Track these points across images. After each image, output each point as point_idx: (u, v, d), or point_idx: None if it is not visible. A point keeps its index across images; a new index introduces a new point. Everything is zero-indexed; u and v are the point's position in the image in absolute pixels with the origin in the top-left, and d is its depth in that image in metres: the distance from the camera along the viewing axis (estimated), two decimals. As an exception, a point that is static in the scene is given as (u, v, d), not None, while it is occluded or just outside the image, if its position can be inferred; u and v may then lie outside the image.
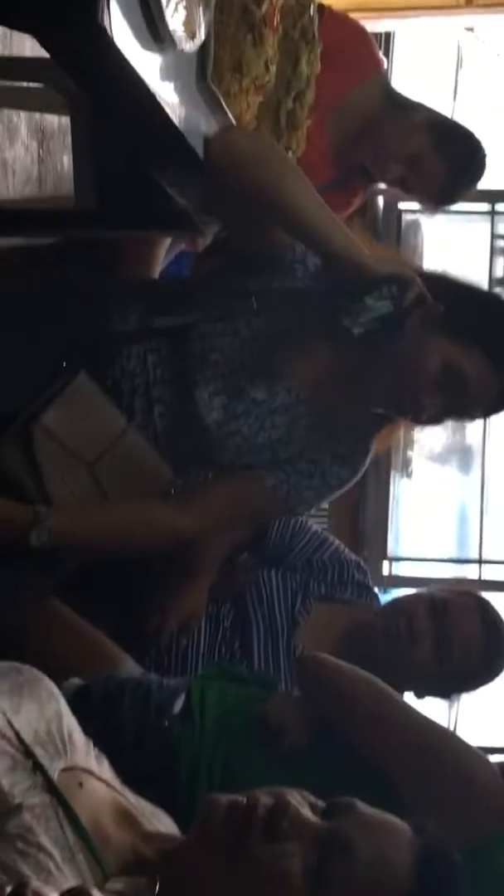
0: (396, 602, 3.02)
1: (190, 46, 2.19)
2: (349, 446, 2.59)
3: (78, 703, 1.96)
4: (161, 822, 1.75)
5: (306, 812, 1.51)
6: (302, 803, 1.51)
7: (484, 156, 3.54)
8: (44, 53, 2.09)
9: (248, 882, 1.45)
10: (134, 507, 2.52)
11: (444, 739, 2.25)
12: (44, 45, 2.02)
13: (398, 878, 1.49)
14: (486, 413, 2.62)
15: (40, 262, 2.98)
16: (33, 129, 4.26)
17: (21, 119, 4.18)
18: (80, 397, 2.44)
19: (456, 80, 7.05)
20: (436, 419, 2.53)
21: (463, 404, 2.52)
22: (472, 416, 2.61)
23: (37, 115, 4.23)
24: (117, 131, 2.61)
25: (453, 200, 3.62)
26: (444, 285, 2.55)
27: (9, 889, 0.91)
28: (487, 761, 2.25)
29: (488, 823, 2.09)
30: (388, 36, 5.78)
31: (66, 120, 3.70)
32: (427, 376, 2.44)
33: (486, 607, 2.94)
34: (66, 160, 4.29)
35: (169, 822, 1.78)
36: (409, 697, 2.78)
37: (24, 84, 3.58)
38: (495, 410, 2.59)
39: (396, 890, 1.48)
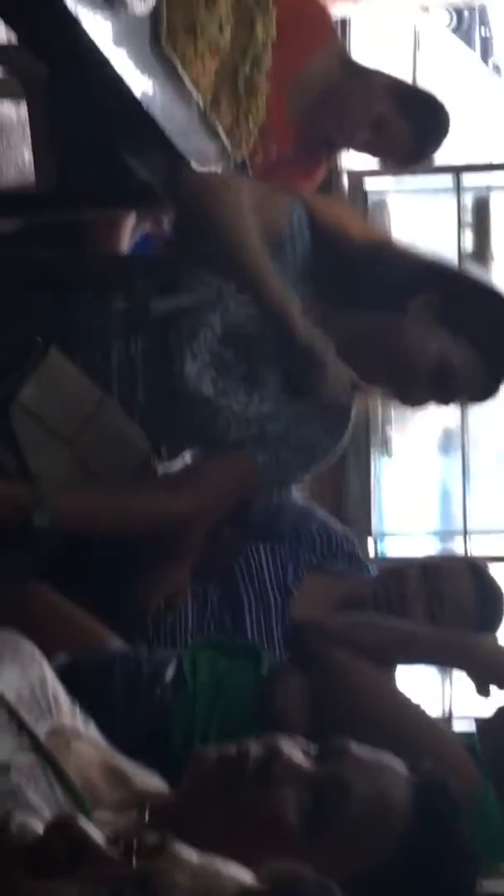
0: (388, 567, 3.01)
1: (141, 9, 2.19)
2: (333, 416, 2.58)
3: (66, 676, 1.94)
4: (153, 783, 1.73)
5: (298, 756, 1.48)
6: (294, 749, 1.49)
7: (447, 114, 3.52)
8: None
9: (242, 829, 1.43)
10: (131, 490, 2.51)
11: (416, 718, 2.25)
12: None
13: (397, 815, 1.47)
14: (470, 401, 2.64)
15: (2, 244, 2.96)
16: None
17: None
18: (54, 373, 2.41)
19: (414, 62, 7.03)
20: (421, 404, 2.55)
21: (449, 394, 2.55)
22: (455, 403, 2.62)
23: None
24: (75, 106, 2.60)
25: (421, 160, 3.60)
26: (446, 275, 2.58)
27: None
28: (449, 734, 2.26)
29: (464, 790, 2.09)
30: (343, 23, 5.76)
31: (24, 112, 3.66)
32: (423, 367, 2.48)
33: (478, 568, 2.93)
34: (27, 154, 4.25)
35: (161, 783, 1.75)
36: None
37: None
38: (479, 399, 2.61)
39: (397, 826, 1.46)
